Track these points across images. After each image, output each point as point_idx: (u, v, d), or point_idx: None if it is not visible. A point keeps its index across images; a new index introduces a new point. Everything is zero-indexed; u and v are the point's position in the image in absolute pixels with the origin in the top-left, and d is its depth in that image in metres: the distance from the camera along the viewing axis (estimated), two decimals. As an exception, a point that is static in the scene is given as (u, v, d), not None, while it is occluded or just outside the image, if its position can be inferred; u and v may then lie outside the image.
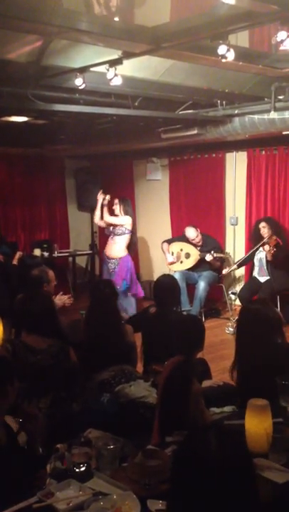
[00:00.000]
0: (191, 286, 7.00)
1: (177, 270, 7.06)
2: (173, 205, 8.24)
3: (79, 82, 4.03)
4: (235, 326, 6.33)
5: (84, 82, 4.04)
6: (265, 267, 6.46)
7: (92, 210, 9.24)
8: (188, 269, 7.07)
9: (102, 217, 6.96)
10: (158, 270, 8.12)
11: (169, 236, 7.93)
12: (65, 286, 7.85)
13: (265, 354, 2.79)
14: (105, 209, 6.92)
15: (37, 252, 8.02)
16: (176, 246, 7.30)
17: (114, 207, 6.90)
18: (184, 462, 1.24)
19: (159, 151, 8.10)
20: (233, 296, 7.05)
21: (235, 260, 7.28)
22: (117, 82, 3.85)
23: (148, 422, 2.97)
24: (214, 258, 6.82)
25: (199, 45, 3.54)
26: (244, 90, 5.04)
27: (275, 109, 5.21)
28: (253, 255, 6.58)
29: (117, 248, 6.78)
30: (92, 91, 4.70)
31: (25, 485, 2.05)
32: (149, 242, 8.63)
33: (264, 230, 6.37)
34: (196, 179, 7.83)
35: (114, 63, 3.74)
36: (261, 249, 6.39)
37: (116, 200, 6.90)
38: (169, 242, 7.43)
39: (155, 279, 4.29)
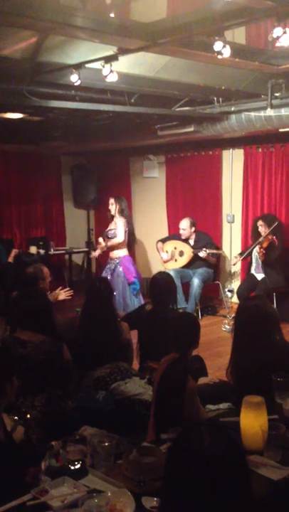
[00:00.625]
0: (187, 284, 7.00)
1: (172, 268, 7.06)
2: (169, 202, 8.24)
3: (74, 78, 4.01)
4: (232, 323, 6.39)
5: (79, 79, 4.02)
6: (261, 265, 6.47)
7: (88, 208, 9.30)
8: (183, 267, 7.07)
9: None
10: (154, 268, 8.12)
11: (166, 233, 7.93)
12: (62, 284, 7.82)
13: (264, 351, 2.78)
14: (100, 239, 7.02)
15: (33, 249, 8.00)
16: (170, 244, 7.30)
17: (110, 207, 6.90)
18: (177, 458, 1.24)
19: (156, 148, 8.08)
20: (229, 294, 7.05)
21: (232, 256, 7.31)
22: (112, 78, 3.83)
23: (143, 419, 2.97)
24: (208, 254, 6.82)
25: (195, 42, 3.52)
26: (241, 87, 5.03)
27: (272, 107, 5.19)
28: (252, 251, 6.59)
29: (114, 249, 6.84)
30: (87, 87, 4.68)
31: (20, 482, 2.04)
32: (145, 239, 8.63)
33: (261, 228, 6.38)
34: (193, 176, 7.82)
35: (109, 59, 3.72)
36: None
37: (111, 200, 6.91)
38: (163, 241, 7.44)
39: (151, 276, 4.28)
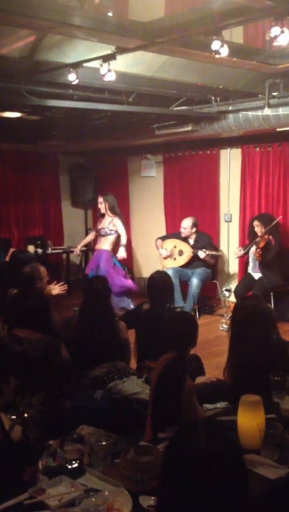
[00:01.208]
0: (185, 283, 7.01)
1: (170, 267, 7.07)
2: (167, 201, 8.24)
3: (72, 77, 4.01)
4: (229, 323, 6.40)
5: (77, 78, 4.01)
6: (258, 265, 6.48)
7: (86, 207, 9.29)
8: (182, 266, 7.08)
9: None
10: (152, 267, 8.08)
11: (164, 233, 7.93)
12: (59, 283, 7.82)
13: (262, 350, 2.79)
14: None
15: (30, 248, 7.99)
16: (170, 243, 7.31)
17: (99, 206, 6.92)
18: (174, 458, 1.24)
19: (153, 147, 8.08)
20: (227, 293, 7.05)
21: (229, 256, 7.31)
22: (110, 77, 3.83)
23: (141, 418, 2.97)
24: (207, 255, 6.83)
25: (193, 41, 3.53)
26: (238, 87, 5.03)
27: (269, 106, 5.20)
28: (248, 251, 6.59)
29: (105, 247, 7.01)
30: (85, 86, 4.68)
31: (17, 481, 2.04)
32: (143, 238, 8.62)
33: (257, 228, 6.38)
34: (191, 176, 7.82)
35: (107, 59, 3.72)
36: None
37: (100, 199, 6.93)
38: (163, 239, 7.45)
39: (149, 275, 4.28)
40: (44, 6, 2.94)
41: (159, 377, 2.80)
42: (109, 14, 3.31)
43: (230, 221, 7.47)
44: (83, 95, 5.02)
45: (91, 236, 7.65)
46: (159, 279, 4.15)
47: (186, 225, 7.11)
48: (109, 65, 3.75)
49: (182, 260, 7.11)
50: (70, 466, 2.13)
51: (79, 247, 7.72)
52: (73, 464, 2.14)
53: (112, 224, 6.93)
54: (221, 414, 2.70)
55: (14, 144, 8.11)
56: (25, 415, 2.67)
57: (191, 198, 7.85)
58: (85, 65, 3.94)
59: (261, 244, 6.24)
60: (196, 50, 3.62)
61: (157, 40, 3.38)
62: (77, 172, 9.07)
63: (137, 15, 3.44)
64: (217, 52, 3.18)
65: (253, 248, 6.31)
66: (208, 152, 7.55)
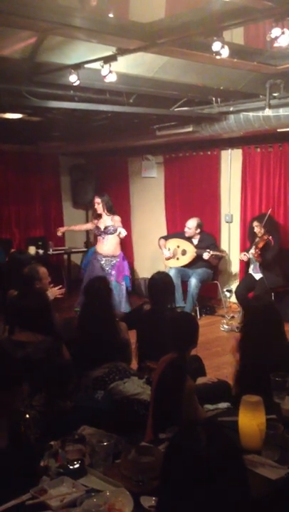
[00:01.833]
0: (186, 283, 7.01)
1: (173, 266, 7.08)
2: (168, 202, 8.24)
3: (73, 78, 4.02)
4: (231, 323, 6.39)
5: (78, 79, 4.02)
6: (258, 265, 6.48)
7: (87, 208, 9.30)
8: (184, 266, 7.08)
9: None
10: (153, 267, 8.10)
11: (165, 233, 7.93)
12: (60, 284, 7.83)
13: (278, 352, 2.77)
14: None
15: (32, 249, 8.00)
16: (173, 242, 7.31)
17: (96, 206, 6.91)
18: (174, 458, 1.24)
19: (154, 148, 8.08)
20: (228, 294, 7.05)
21: (230, 256, 7.32)
22: (111, 78, 3.84)
23: (142, 418, 2.97)
24: (211, 256, 6.83)
25: (194, 42, 3.53)
26: (239, 87, 5.04)
27: (270, 107, 5.20)
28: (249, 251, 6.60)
29: (110, 246, 6.86)
30: (86, 88, 4.68)
31: (19, 482, 2.04)
32: (144, 239, 8.63)
33: (257, 228, 6.38)
34: (191, 176, 7.82)
35: (108, 60, 3.72)
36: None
37: (97, 200, 6.91)
38: (166, 238, 7.46)
39: (150, 276, 4.28)
40: (45, 7, 2.95)
41: (160, 378, 2.80)
42: (110, 15, 3.32)
43: (231, 222, 7.47)
44: (84, 96, 5.03)
45: (89, 225, 7.57)
46: (160, 279, 4.15)
47: (191, 225, 7.11)
48: (110, 66, 3.75)
49: (185, 260, 7.11)
50: (71, 467, 2.13)
51: (66, 228, 7.63)
52: (75, 464, 2.15)
53: (113, 221, 6.92)
54: (222, 415, 2.70)
55: (15, 145, 8.12)
56: (27, 416, 2.67)
57: (192, 198, 7.85)
58: (86, 66, 3.95)
59: (260, 245, 6.23)
60: (197, 51, 3.62)
61: (158, 41, 3.38)
62: (78, 173, 9.08)
63: (137, 16, 3.44)
64: (218, 53, 3.18)
65: (252, 249, 6.31)
66: (209, 153, 7.56)
